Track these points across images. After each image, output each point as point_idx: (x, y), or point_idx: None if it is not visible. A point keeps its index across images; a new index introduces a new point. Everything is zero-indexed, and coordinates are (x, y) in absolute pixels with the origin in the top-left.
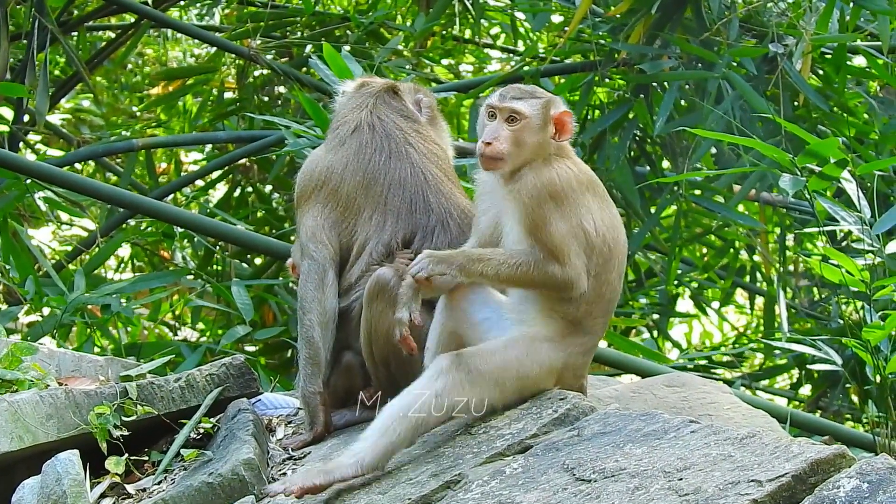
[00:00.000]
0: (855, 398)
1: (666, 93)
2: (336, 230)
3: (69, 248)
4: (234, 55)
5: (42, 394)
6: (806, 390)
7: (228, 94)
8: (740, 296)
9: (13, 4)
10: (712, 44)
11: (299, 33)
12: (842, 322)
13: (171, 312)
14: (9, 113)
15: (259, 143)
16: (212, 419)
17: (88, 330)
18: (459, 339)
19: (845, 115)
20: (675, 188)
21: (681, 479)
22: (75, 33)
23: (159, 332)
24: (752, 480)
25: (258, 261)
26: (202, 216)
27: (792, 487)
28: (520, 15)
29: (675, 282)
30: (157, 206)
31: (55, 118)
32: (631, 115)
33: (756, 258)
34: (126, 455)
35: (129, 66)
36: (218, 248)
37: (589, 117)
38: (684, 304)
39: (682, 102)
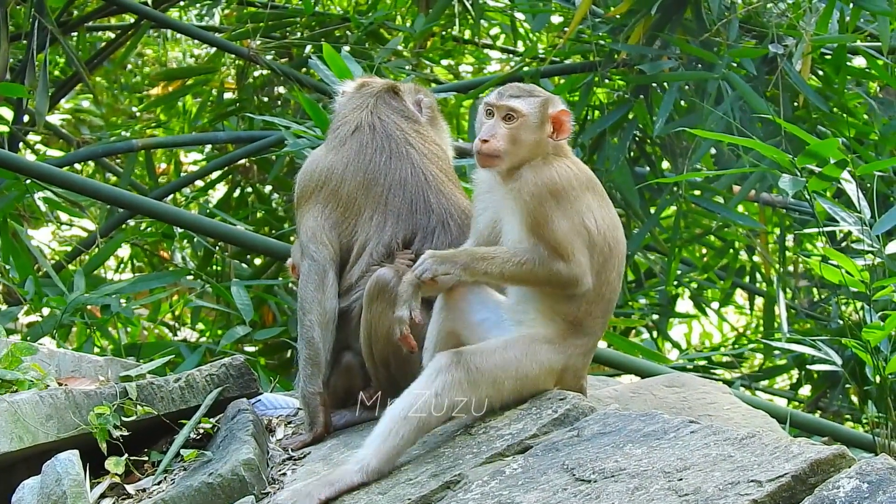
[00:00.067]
0: (855, 398)
1: (666, 93)
2: (336, 231)
3: (69, 249)
4: (233, 55)
5: (42, 394)
6: (806, 391)
7: (228, 95)
8: (740, 296)
9: (13, 5)
10: (712, 44)
11: (299, 34)
12: (841, 322)
13: (170, 313)
14: (9, 113)
15: (259, 144)
16: (211, 419)
17: (88, 330)
18: (458, 340)
19: (845, 115)
20: (675, 189)
21: (680, 480)
22: (75, 34)
23: (159, 333)
24: (752, 481)
25: (258, 261)
26: (202, 216)
27: (792, 488)
28: (519, 15)
29: (675, 282)
30: (157, 206)
31: (55, 118)
32: (631, 116)
33: (756, 259)
34: (126, 455)
35: (129, 66)
36: (217, 248)
37: (589, 118)
38: (684, 305)
39: (682, 103)
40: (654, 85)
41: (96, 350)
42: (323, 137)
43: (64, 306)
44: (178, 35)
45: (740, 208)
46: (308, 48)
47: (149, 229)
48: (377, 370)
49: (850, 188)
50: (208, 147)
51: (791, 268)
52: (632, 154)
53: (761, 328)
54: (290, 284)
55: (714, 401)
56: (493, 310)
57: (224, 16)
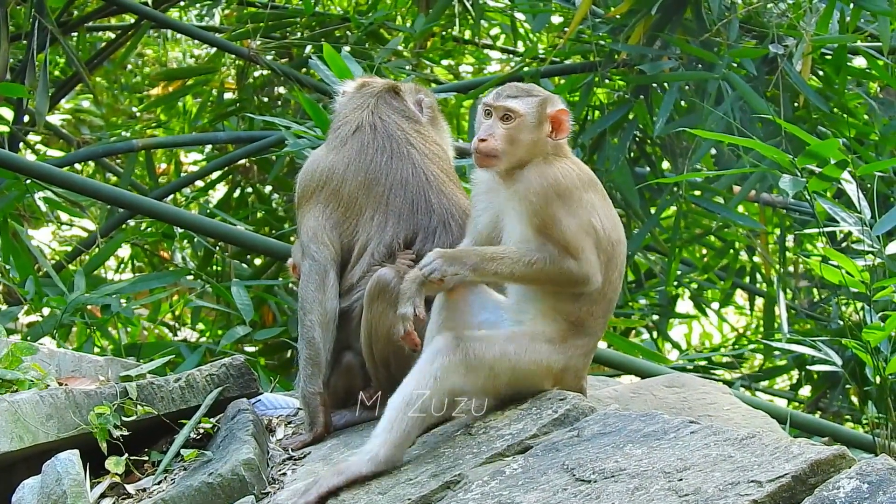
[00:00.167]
0: (855, 399)
1: (666, 93)
2: (337, 231)
3: (69, 249)
4: (233, 56)
5: (42, 394)
6: (806, 391)
7: (228, 95)
8: (740, 297)
9: (13, 5)
10: (712, 45)
11: (299, 34)
12: (842, 323)
13: (170, 313)
14: (9, 113)
15: (259, 144)
16: (212, 419)
17: (88, 330)
18: None
19: (845, 115)
20: (675, 189)
21: (681, 480)
22: (75, 34)
23: (159, 333)
24: (752, 481)
25: (258, 261)
26: (202, 216)
27: (792, 488)
28: (520, 16)
29: (675, 283)
30: (157, 206)
31: (55, 118)
32: (631, 116)
33: (756, 259)
34: (126, 455)
35: (129, 66)
36: (218, 248)
37: (589, 118)
38: (684, 305)
39: (682, 103)
40: (654, 85)
41: (96, 350)
42: (323, 137)
43: (64, 306)
44: (179, 35)
45: (740, 208)
46: (308, 48)
47: (149, 229)
48: (377, 370)
49: (851, 188)
50: (208, 147)
51: (791, 268)
52: (632, 154)
53: (761, 329)
54: (291, 284)
55: (714, 401)
56: (493, 310)
57: (224, 16)
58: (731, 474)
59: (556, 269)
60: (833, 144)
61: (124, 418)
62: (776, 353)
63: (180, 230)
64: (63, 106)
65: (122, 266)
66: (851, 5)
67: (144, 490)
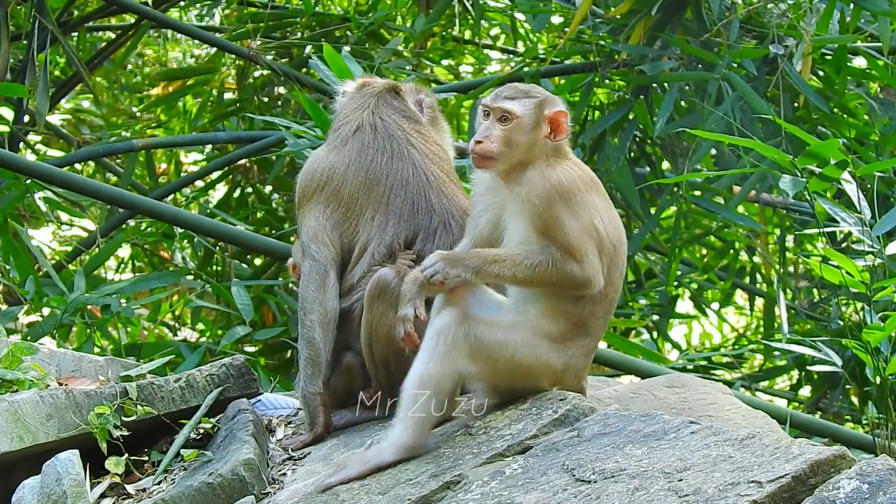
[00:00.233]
0: (855, 399)
1: (666, 94)
2: (338, 231)
3: (69, 249)
4: (234, 56)
5: (42, 394)
6: (806, 391)
7: (228, 95)
8: (740, 297)
9: (14, 5)
10: (712, 45)
11: (299, 34)
12: (842, 323)
13: (170, 313)
14: (9, 113)
15: (259, 144)
16: (212, 419)
17: (88, 330)
18: None
19: (845, 116)
20: (676, 189)
21: (681, 480)
22: (75, 34)
23: (159, 333)
24: (753, 481)
25: (258, 261)
26: (202, 216)
27: (792, 488)
28: (520, 16)
29: (675, 283)
30: (157, 206)
31: (55, 118)
32: (631, 116)
33: (756, 259)
34: (126, 455)
35: (129, 66)
36: (218, 248)
37: (589, 118)
38: (684, 305)
39: (683, 103)
40: (654, 85)
41: (96, 350)
42: (323, 137)
43: (64, 306)
44: (179, 35)
45: (740, 209)
46: (308, 48)
47: (149, 229)
48: (377, 370)
49: (851, 189)
50: (208, 147)
51: (791, 268)
52: (632, 154)
53: (761, 329)
54: (291, 284)
55: (714, 401)
56: (492, 310)
57: (224, 16)
58: (732, 475)
59: (559, 272)
60: (833, 145)
61: (124, 418)
62: (776, 353)
63: (180, 230)
64: (63, 106)
65: (123, 266)
66: (851, 5)
67: (144, 490)
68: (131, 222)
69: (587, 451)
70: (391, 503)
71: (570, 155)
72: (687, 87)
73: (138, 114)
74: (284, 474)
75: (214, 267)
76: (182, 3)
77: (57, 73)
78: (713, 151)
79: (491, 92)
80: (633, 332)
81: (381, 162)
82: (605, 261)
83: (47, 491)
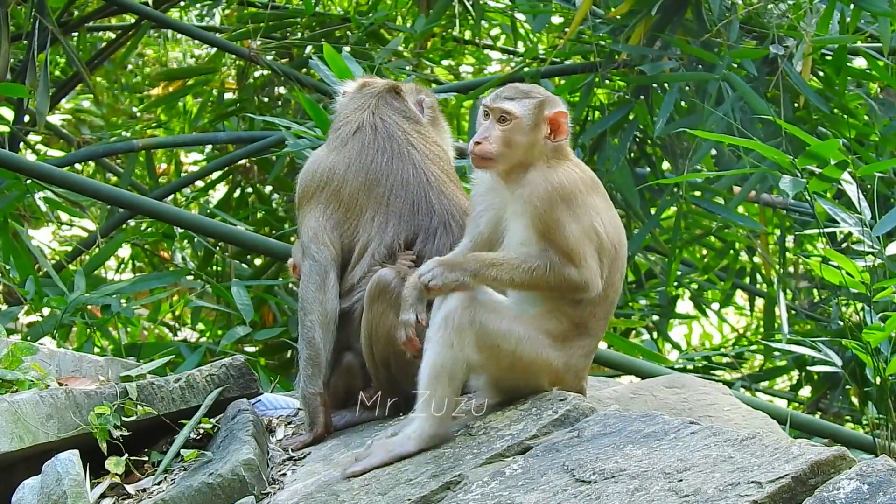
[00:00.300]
0: (855, 400)
1: (666, 94)
2: (338, 231)
3: (69, 249)
4: (234, 56)
5: (42, 394)
6: (806, 392)
7: (228, 95)
8: (740, 297)
9: (14, 5)
10: (713, 45)
11: (299, 34)
12: (842, 324)
13: (171, 313)
14: (9, 113)
15: (259, 144)
16: (212, 420)
17: (88, 330)
18: None
19: (846, 116)
20: (676, 189)
21: (681, 481)
22: (76, 34)
23: (159, 333)
24: (753, 482)
25: (258, 261)
26: (202, 217)
27: (792, 489)
28: (520, 16)
29: (675, 283)
30: (158, 206)
31: (55, 119)
32: (631, 117)
33: (756, 260)
34: (126, 455)
35: (130, 66)
36: (218, 248)
37: (589, 119)
38: (684, 306)
39: (683, 104)
40: (654, 85)
41: (96, 350)
42: (324, 138)
43: (64, 306)
44: (179, 35)
45: (741, 209)
46: (308, 48)
47: (149, 229)
48: (378, 370)
49: (851, 189)
50: (209, 147)
51: (791, 269)
52: (632, 155)
53: (761, 329)
54: (291, 285)
55: (714, 402)
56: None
57: (224, 16)
58: (732, 475)
59: (557, 276)
60: (833, 145)
61: (124, 418)
62: (776, 353)
63: (180, 230)
64: (63, 106)
65: (123, 266)
66: (852, 6)
67: (144, 490)
68: (131, 222)
69: (587, 452)
70: (391, 503)
71: (571, 155)
72: (687, 88)
73: (138, 114)
74: (284, 474)
75: (214, 267)
76: (182, 4)
77: (57, 73)
78: (713, 152)
79: (491, 92)
80: (634, 332)
81: (382, 162)
82: (606, 263)
83: (47, 491)
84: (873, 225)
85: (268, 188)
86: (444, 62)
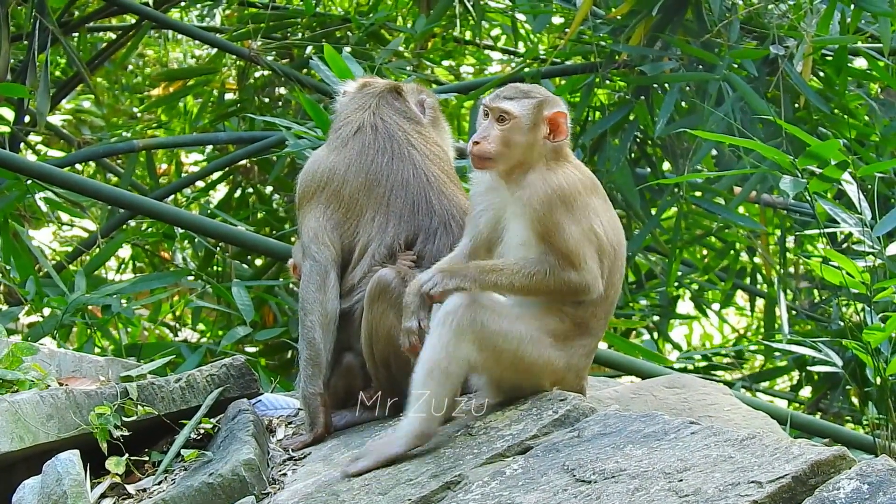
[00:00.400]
0: (855, 400)
1: (666, 94)
2: (338, 231)
3: (70, 249)
4: (234, 56)
5: (42, 394)
6: (806, 392)
7: (229, 96)
8: (741, 297)
9: (14, 5)
10: (713, 45)
11: (300, 34)
12: (842, 324)
13: (171, 313)
14: (10, 114)
15: (260, 144)
16: (212, 420)
17: (89, 330)
18: None
19: (846, 116)
20: (676, 190)
21: (681, 481)
22: (76, 34)
23: (159, 333)
24: (753, 482)
25: (259, 262)
26: (203, 217)
27: (792, 489)
28: (520, 16)
29: (676, 283)
30: (158, 206)
31: (56, 119)
32: (631, 117)
33: (756, 260)
34: (126, 455)
35: (130, 67)
36: (218, 248)
37: (589, 119)
38: (684, 306)
39: (683, 104)
40: (654, 86)
41: (97, 350)
42: (324, 138)
43: (65, 306)
44: (179, 36)
45: (741, 209)
46: (309, 49)
47: (150, 230)
48: (378, 371)
49: (851, 189)
50: (209, 147)
51: (792, 269)
52: (633, 155)
53: (762, 329)
54: (291, 285)
55: (714, 402)
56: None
57: (225, 16)
58: (732, 475)
59: (557, 279)
60: (834, 145)
61: (125, 418)
62: (777, 353)
63: (181, 230)
64: (64, 106)
65: (123, 266)
66: (852, 6)
67: (145, 490)
68: (132, 223)
69: (587, 452)
70: (391, 503)
71: (571, 156)
72: (687, 88)
73: (139, 114)
74: (285, 474)
75: (215, 267)
76: (183, 4)
77: (57, 73)
78: (714, 152)
79: (491, 92)
80: (634, 332)
81: (382, 163)
82: (606, 264)
83: (47, 491)
84: (874, 225)
85: (268, 188)
86: (445, 62)
